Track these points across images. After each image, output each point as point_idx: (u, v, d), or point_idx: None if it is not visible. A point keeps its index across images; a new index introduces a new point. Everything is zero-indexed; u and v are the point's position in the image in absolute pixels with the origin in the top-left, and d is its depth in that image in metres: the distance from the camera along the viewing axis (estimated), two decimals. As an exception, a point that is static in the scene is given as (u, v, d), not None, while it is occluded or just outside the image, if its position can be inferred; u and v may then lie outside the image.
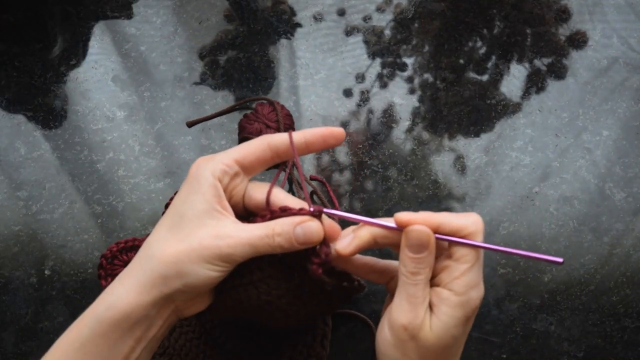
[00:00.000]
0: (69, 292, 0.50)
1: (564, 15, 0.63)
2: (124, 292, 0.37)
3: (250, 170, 0.41)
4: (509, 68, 0.59)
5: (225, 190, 0.39)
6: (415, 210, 0.51)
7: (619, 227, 0.52)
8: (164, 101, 0.58)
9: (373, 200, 0.53)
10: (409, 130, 0.57)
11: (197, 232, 0.37)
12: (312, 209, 0.38)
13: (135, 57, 0.60)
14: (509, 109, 0.57)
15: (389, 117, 0.57)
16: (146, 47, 0.61)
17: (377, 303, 0.49)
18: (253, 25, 0.62)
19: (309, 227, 0.37)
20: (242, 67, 0.60)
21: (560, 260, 0.37)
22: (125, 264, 0.48)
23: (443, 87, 0.59)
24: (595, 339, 0.48)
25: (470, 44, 0.61)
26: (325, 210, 0.39)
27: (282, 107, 0.52)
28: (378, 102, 0.58)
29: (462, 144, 0.56)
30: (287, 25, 0.62)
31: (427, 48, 0.61)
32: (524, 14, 0.62)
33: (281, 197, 0.41)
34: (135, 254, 0.43)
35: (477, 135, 0.56)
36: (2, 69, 0.60)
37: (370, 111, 0.58)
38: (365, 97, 0.58)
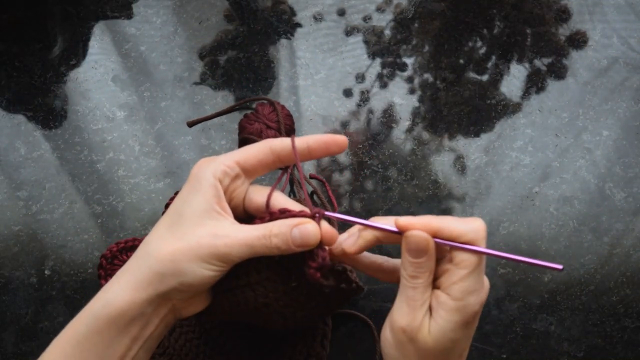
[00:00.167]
0: (69, 292, 0.50)
1: (564, 15, 0.63)
2: (120, 290, 0.37)
3: (251, 173, 0.41)
4: (509, 68, 0.59)
5: (225, 192, 0.39)
6: (415, 210, 0.51)
7: (619, 227, 0.52)
8: (164, 101, 0.58)
9: (373, 200, 0.53)
10: (409, 130, 0.57)
11: (194, 230, 0.37)
12: (311, 212, 0.38)
13: (135, 57, 0.60)
14: (509, 109, 0.57)
15: (389, 117, 0.57)
16: (146, 47, 0.61)
17: (377, 303, 0.49)
18: (253, 25, 0.62)
19: (306, 230, 0.37)
20: (242, 67, 0.60)
21: (560, 267, 0.36)
22: (124, 263, 0.48)
23: (443, 87, 0.59)
24: (595, 339, 0.48)
25: (470, 44, 0.61)
26: (325, 213, 0.39)
27: (283, 107, 0.52)
28: (378, 102, 0.58)
29: (462, 144, 0.56)
30: (287, 25, 0.62)
31: (427, 48, 0.61)
32: (524, 14, 0.62)
33: (281, 200, 0.41)
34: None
35: (477, 135, 0.56)
36: (2, 69, 0.60)
37: (370, 111, 0.58)
38: (365, 97, 0.58)
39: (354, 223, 0.40)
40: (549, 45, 0.61)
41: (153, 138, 0.56)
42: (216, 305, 0.41)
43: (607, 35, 0.61)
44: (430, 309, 0.37)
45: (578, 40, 0.61)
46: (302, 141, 0.40)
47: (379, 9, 0.63)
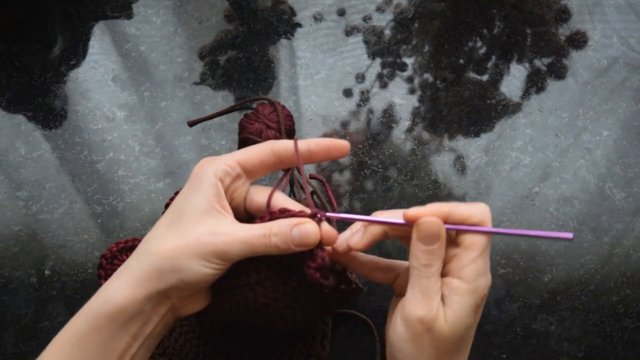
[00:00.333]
0: (69, 292, 0.50)
1: (564, 15, 0.63)
2: (120, 287, 0.37)
3: (252, 173, 0.41)
4: (509, 68, 0.59)
5: (226, 192, 0.40)
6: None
7: (619, 227, 0.52)
8: (164, 101, 0.58)
9: (373, 200, 0.53)
10: (409, 130, 0.57)
11: (194, 228, 0.37)
12: (312, 212, 0.38)
13: (135, 57, 0.60)
14: (509, 109, 0.57)
15: (389, 117, 0.57)
16: (146, 47, 0.61)
17: (377, 303, 0.49)
18: (253, 25, 0.62)
19: (306, 229, 0.37)
20: (242, 67, 0.60)
21: (570, 235, 0.37)
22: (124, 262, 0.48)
23: (443, 87, 0.59)
24: (595, 339, 0.48)
25: (470, 44, 0.61)
26: (328, 214, 0.39)
27: (283, 107, 0.52)
28: (378, 102, 0.58)
29: (462, 144, 0.56)
30: (287, 25, 0.62)
31: (427, 48, 0.61)
32: (524, 14, 0.62)
33: (282, 200, 0.41)
34: None
35: (477, 135, 0.56)
36: (2, 69, 0.60)
37: (370, 111, 0.58)
38: (365, 97, 0.58)
39: (357, 221, 0.40)
40: (549, 45, 0.61)
41: (153, 138, 0.56)
42: (216, 305, 0.41)
43: (607, 35, 0.61)
44: (443, 302, 0.37)
45: (578, 40, 0.61)
46: (304, 144, 0.40)
47: (379, 9, 0.63)
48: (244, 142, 0.52)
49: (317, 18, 0.63)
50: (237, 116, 0.56)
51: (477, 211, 0.37)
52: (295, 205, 0.40)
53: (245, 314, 0.40)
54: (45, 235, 0.52)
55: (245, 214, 0.42)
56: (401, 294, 0.42)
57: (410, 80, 0.59)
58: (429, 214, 0.37)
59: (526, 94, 0.58)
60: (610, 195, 0.53)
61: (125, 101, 0.58)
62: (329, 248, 0.39)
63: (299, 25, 0.62)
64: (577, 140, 0.56)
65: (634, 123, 0.56)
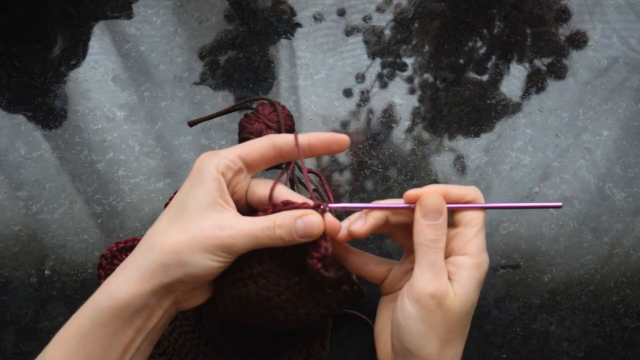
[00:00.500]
0: (69, 292, 0.50)
1: (564, 15, 0.63)
2: (125, 281, 0.37)
3: (253, 167, 0.41)
4: (509, 68, 0.60)
5: (228, 185, 0.40)
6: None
7: (619, 227, 0.52)
8: (164, 101, 0.58)
9: (373, 200, 0.53)
10: (409, 130, 0.57)
11: (198, 222, 0.38)
12: (315, 204, 0.39)
13: (135, 57, 0.60)
14: (509, 109, 0.57)
15: (389, 117, 0.57)
16: (146, 47, 0.61)
17: (377, 303, 0.49)
18: (253, 25, 0.62)
19: (310, 221, 0.38)
20: (242, 67, 0.60)
21: (559, 204, 0.41)
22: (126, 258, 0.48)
23: (443, 87, 0.59)
24: (595, 339, 0.48)
25: (470, 44, 0.61)
26: (330, 205, 0.40)
27: (283, 107, 0.52)
28: (378, 102, 0.58)
29: (462, 144, 0.56)
30: (287, 25, 0.62)
31: (427, 48, 0.61)
32: (524, 14, 0.62)
33: (284, 193, 0.41)
34: None
35: (477, 135, 0.56)
36: (2, 69, 0.60)
37: (370, 111, 0.58)
38: (365, 97, 0.58)
39: (359, 209, 0.41)
40: (549, 45, 0.61)
41: (153, 138, 0.56)
42: (218, 300, 0.41)
43: (607, 35, 0.61)
44: (450, 279, 0.38)
45: (578, 40, 0.61)
46: (304, 138, 0.41)
47: (379, 9, 0.63)
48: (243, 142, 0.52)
49: (317, 18, 0.63)
50: (237, 116, 0.56)
51: (470, 190, 0.41)
52: (297, 198, 0.41)
53: (247, 309, 0.40)
54: (45, 235, 0.52)
55: (247, 208, 0.43)
56: (390, 292, 0.44)
57: (410, 80, 0.59)
58: (430, 192, 0.39)
59: (526, 94, 0.58)
60: (610, 195, 0.53)
61: (125, 101, 0.58)
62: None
63: (299, 25, 0.62)
64: (577, 140, 0.56)
65: (634, 123, 0.56)
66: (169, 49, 0.61)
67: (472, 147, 0.56)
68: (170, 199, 0.48)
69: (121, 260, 0.48)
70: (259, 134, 0.51)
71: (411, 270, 0.40)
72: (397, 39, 0.62)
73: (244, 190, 0.42)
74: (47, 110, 0.58)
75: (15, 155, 0.56)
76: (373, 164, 0.55)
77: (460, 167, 0.55)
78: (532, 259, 0.51)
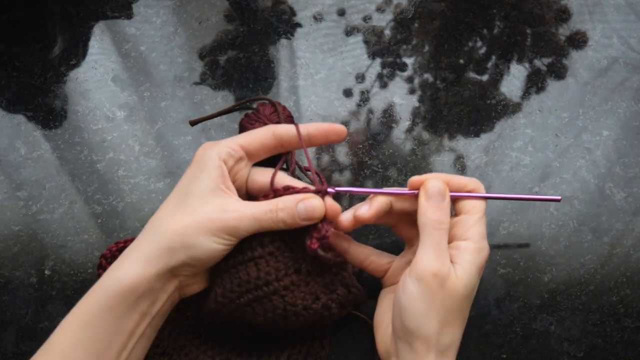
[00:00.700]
0: (69, 292, 0.50)
1: (564, 15, 0.63)
2: (131, 266, 0.38)
3: (254, 156, 0.43)
4: (509, 68, 0.60)
5: (229, 173, 0.41)
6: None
7: (619, 227, 0.52)
8: (164, 101, 0.58)
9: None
10: (409, 130, 0.57)
11: (203, 207, 0.39)
12: (316, 188, 0.41)
13: (135, 57, 0.60)
14: (509, 109, 0.57)
15: (389, 117, 0.57)
16: (146, 47, 0.61)
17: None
18: (253, 25, 0.62)
19: (311, 204, 0.40)
20: (242, 67, 0.60)
21: (558, 198, 0.44)
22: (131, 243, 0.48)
23: (443, 87, 0.59)
24: (595, 339, 0.48)
25: (470, 44, 0.61)
26: (333, 189, 0.42)
27: (284, 108, 0.52)
28: (378, 102, 0.58)
29: (462, 144, 0.56)
30: (287, 25, 0.62)
31: (427, 48, 0.61)
32: (524, 14, 0.62)
33: (285, 179, 0.43)
34: None
35: (477, 135, 0.56)
36: (2, 69, 0.60)
37: (370, 111, 0.58)
38: (365, 97, 0.58)
39: (362, 193, 0.43)
40: (549, 45, 0.61)
41: (153, 138, 0.56)
42: (218, 285, 0.41)
43: (607, 35, 0.61)
44: (452, 262, 0.40)
45: (578, 40, 0.61)
46: (304, 128, 0.43)
47: (379, 9, 0.63)
48: None
49: (317, 18, 0.63)
50: (238, 116, 0.56)
51: (470, 179, 0.43)
52: (297, 183, 0.42)
53: (247, 296, 0.41)
54: (45, 235, 0.52)
55: (247, 195, 0.44)
56: (392, 284, 0.45)
57: (410, 80, 0.59)
58: (433, 177, 0.42)
59: (526, 94, 0.58)
60: (610, 195, 0.53)
61: (125, 101, 0.58)
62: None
63: (299, 25, 0.62)
64: (577, 140, 0.56)
65: (634, 123, 0.56)
66: (169, 49, 0.61)
67: (472, 147, 0.56)
68: None
69: None
70: None
71: (408, 263, 0.41)
72: (397, 39, 0.62)
73: (244, 178, 0.43)
74: (47, 110, 0.58)
75: (15, 155, 0.56)
76: (373, 164, 0.55)
77: (460, 167, 0.55)
78: (532, 259, 0.51)
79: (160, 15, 0.63)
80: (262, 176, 0.43)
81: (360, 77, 0.60)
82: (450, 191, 0.42)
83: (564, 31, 0.62)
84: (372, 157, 0.55)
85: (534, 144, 0.55)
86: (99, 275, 0.48)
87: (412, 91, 0.59)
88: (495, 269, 0.50)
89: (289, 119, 0.52)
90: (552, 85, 0.58)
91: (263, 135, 0.42)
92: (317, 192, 0.41)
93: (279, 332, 0.46)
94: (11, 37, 0.61)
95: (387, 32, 0.62)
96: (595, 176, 0.54)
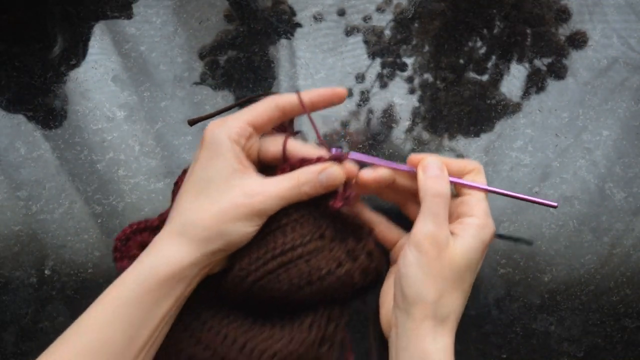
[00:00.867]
0: (69, 292, 0.50)
1: (564, 15, 0.63)
2: (169, 255, 0.39)
3: (261, 130, 0.44)
4: (509, 68, 0.60)
5: (242, 150, 0.42)
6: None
7: (619, 227, 0.52)
8: (164, 101, 0.58)
9: (373, 199, 0.53)
10: (409, 130, 0.57)
11: (228, 193, 0.40)
12: (333, 151, 0.43)
13: (135, 57, 0.60)
14: (509, 109, 0.57)
15: (389, 117, 0.57)
16: (146, 47, 0.61)
17: (377, 303, 0.49)
18: (253, 25, 0.62)
19: (332, 173, 0.42)
20: (242, 67, 0.60)
21: (555, 204, 0.45)
22: (139, 245, 0.49)
23: (443, 87, 0.59)
24: (595, 339, 0.48)
25: (470, 44, 0.61)
26: (350, 156, 0.44)
27: None
28: (378, 102, 0.58)
29: (462, 144, 0.56)
30: (287, 25, 0.62)
31: (427, 48, 0.61)
32: (524, 14, 0.62)
33: (297, 146, 0.44)
34: (149, 234, 0.47)
35: (477, 135, 0.56)
36: (2, 69, 0.60)
37: (370, 111, 0.58)
38: (365, 97, 0.58)
39: (370, 162, 0.45)
40: (549, 45, 0.61)
41: (153, 138, 0.56)
42: (244, 256, 0.43)
43: (607, 35, 0.61)
44: (454, 234, 0.41)
45: (578, 40, 0.61)
46: (307, 96, 0.44)
47: (379, 9, 0.63)
48: None
49: (317, 18, 0.63)
50: (237, 116, 0.56)
51: (469, 162, 0.44)
52: (309, 150, 0.44)
53: (273, 263, 0.42)
54: (45, 235, 0.52)
55: (259, 164, 0.45)
56: (394, 261, 0.47)
57: (410, 80, 0.59)
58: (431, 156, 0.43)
59: (526, 94, 0.58)
60: (610, 195, 0.53)
61: (125, 101, 0.58)
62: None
63: (299, 25, 0.62)
64: (577, 140, 0.56)
65: (634, 123, 0.56)
66: (169, 49, 0.61)
67: (472, 147, 0.56)
68: (180, 178, 0.49)
69: (136, 242, 0.49)
70: None
71: None
72: (397, 39, 0.62)
73: (255, 150, 0.44)
74: (47, 110, 0.58)
75: (15, 155, 0.56)
76: (373, 164, 0.55)
77: (460, 167, 0.55)
78: (532, 259, 0.51)
79: (160, 15, 0.63)
80: (272, 146, 0.44)
81: (360, 77, 0.60)
82: (450, 174, 0.43)
83: (564, 31, 0.62)
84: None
85: (534, 144, 0.55)
86: (115, 259, 0.49)
87: (412, 91, 0.59)
88: (495, 268, 0.50)
89: None
90: (552, 85, 0.58)
91: (267, 109, 0.43)
92: (333, 159, 0.43)
93: (300, 305, 0.46)
94: (11, 37, 0.61)
95: (387, 32, 0.62)
96: (595, 176, 0.54)
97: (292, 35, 0.62)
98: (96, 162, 0.55)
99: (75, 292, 0.50)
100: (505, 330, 0.48)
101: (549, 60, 0.60)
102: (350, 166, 0.43)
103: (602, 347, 0.48)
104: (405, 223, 0.47)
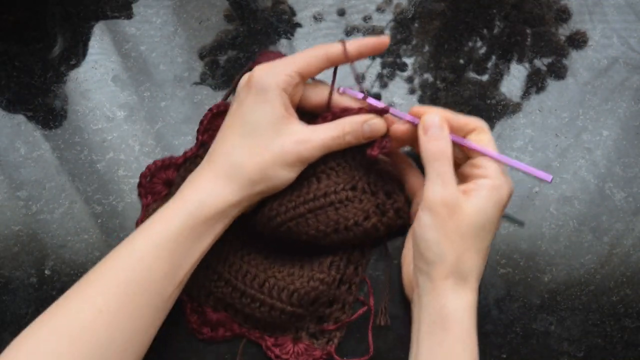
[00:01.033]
0: (69, 292, 0.50)
1: (564, 15, 0.63)
2: (215, 193, 0.41)
3: (307, 77, 0.45)
4: (509, 68, 0.60)
5: (288, 98, 0.44)
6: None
7: (619, 227, 0.52)
8: (164, 101, 0.58)
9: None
10: (409, 130, 0.57)
11: (276, 139, 0.42)
12: (378, 106, 0.45)
13: (135, 57, 0.60)
14: (509, 109, 0.57)
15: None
16: (146, 47, 0.61)
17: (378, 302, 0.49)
18: (253, 25, 0.62)
19: (376, 125, 0.44)
20: (242, 67, 0.60)
21: (548, 178, 0.45)
22: (164, 181, 0.52)
23: (443, 87, 0.59)
24: (595, 339, 0.48)
25: (470, 44, 0.61)
26: (390, 110, 0.45)
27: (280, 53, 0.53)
28: (378, 102, 0.58)
29: (462, 144, 0.56)
30: (287, 25, 0.62)
31: (427, 48, 0.61)
32: (524, 14, 0.62)
33: (338, 98, 0.46)
34: (173, 171, 0.50)
35: (477, 135, 0.56)
36: (2, 69, 0.60)
37: (370, 111, 0.58)
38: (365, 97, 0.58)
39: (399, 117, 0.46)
40: (549, 45, 0.61)
41: (153, 138, 0.56)
42: (275, 197, 0.44)
43: (607, 35, 0.61)
44: (467, 194, 0.41)
45: (578, 40, 0.61)
46: (353, 46, 0.45)
47: (379, 9, 0.63)
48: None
49: (317, 18, 0.63)
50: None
51: (472, 119, 0.44)
52: (348, 100, 0.46)
53: (304, 206, 0.44)
54: (45, 235, 0.52)
55: (298, 110, 0.46)
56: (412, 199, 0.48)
57: (410, 80, 0.59)
58: (431, 112, 0.43)
59: (526, 94, 0.58)
60: (610, 195, 0.53)
61: (125, 101, 0.58)
62: None
63: (299, 25, 0.62)
64: (577, 140, 0.56)
65: (634, 123, 0.56)
66: (169, 49, 0.61)
67: (472, 147, 0.55)
68: (216, 106, 0.51)
69: (161, 179, 0.52)
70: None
71: None
72: (397, 39, 0.62)
73: (298, 97, 0.46)
74: (47, 110, 0.58)
75: (15, 155, 0.56)
76: (373, 164, 0.55)
77: (460, 167, 0.55)
78: (532, 259, 0.51)
79: (160, 15, 0.63)
80: (315, 95, 0.46)
81: (361, 77, 0.59)
82: (452, 130, 0.43)
83: (564, 31, 0.62)
84: (372, 157, 0.55)
85: (534, 144, 0.55)
86: (139, 194, 0.51)
87: (412, 91, 0.59)
88: (495, 268, 0.50)
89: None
90: (552, 85, 0.58)
91: (317, 58, 0.44)
92: (379, 112, 0.45)
93: (322, 248, 0.47)
94: (11, 37, 0.61)
95: (387, 32, 0.62)
96: (595, 176, 0.54)
97: (292, 35, 0.62)
98: (96, 162, 0.55)
99: (75, 292, 0.50)
100: (505, 330, 0.48)
101: (549, 60, 0.60)
102: (390, 118, 0.45)
103: (602, 347, 0.48)
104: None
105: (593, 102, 0.57)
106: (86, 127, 0.57)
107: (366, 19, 0.63)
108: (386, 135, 0.45)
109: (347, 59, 0.45)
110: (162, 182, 0.52)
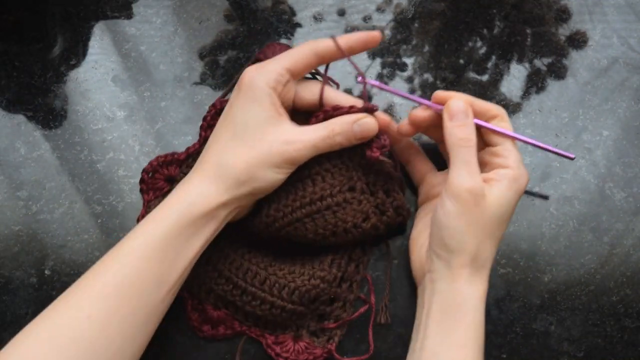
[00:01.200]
0: (69, 292, 0.50)
1: (564, 15, 0.63)
2: (203, 193, 0.40)
3: (297, 75, 0.44)
4: (509, 68, 0.60)
5: (278, 97, 0.43)
6: (413, 215, 0.51)
7: (619, 227, 0.52)
8: (164, 101, 0.58)
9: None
10: (409, 130, 0.57)
11: (264, 139, 0.41)
12: (366, 105, 0.43)
13: (135, 57, 0.60)
14: (509, 109, 0.57)
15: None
16: (146, 47, 0.61)
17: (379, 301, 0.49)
18: (253, 25, 0.62)
19: (366, 124, 0.42)
20: (242, 67, 0.60)
21: (572, 155, 0.46)
22: (166, 177, 0.51)
23: (443, 87, 0.59)
24: (595, 339, 0.48)
25: (470, 44, 0.61)
26: (370, 82, 0.45)
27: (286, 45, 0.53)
28: (378, 102, 0.58)
29: (462, 144, 0.56)
30: (287, 25, 0.62)
31: (427, 48, 0.61)
32: (524, 14, 0.62)
33: (332, 95, 0.45)
34: (175, 167, 0.50)
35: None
36: (2, 69, 0.60)
37: (370, 111, 0.58)
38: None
39: (396, 94, 0.47)
40: (549, 45, 0.61)
41: (153, 138, 0.56)
42: (272, 202, 0.44)
43: (607, 35, 0.61)
44: (489, 184, 0.41)
45: (578, 40, 0.61)
46: (344, 41, 0.44)
47: (379, 9, 0.63)
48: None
49: (317, 18, 0.63)
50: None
51: (493, 105, 0.44)
52: (344, 97, 0.45)
53: (301, 211, 0.43)
54: (45, 235, 0.52)
55: (292, 111, 0.46)
56: (425, 201, 0.48)
57: (410, 80, 0.59)
58: (457, 97, 0.43)
59: (526, 94, 0.58)
60: (610, 195, 0.53)
61: (125, 101, 0.58)
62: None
63: (299, 25, 0.62)
64: (577, 140, 0.56)
65: (634, 123, 0.56)
66: (169, 49, 0.61)
67: (472, 147, 0.55)
68: (213, 106, 0.50)
69: (163, 175, 0.51)
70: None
71: (445, 180, 0.42)
72: (397, 39, 0.62)
73: (291, 96, 0.45)
74: (47, 110, 0.58)
75: (15, 155, 0.56)
76: (373, 164, 0.55)
77: (460, 167, 0.55)
78: (532, 259, 0.51)
79: (160, 15, 0.63)
80: (308, 93, 0.45)
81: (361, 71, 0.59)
82: (475, 115, 0.43)
83: (564, 31, 0.62)
84: (372, 157, 0.55)
85: (534, 144, 0.55)
86: (141, 190, 0.51)
87: (412, 91, 0.59)
88: (495, 268, 0.50)
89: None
90: (552, 85, 0.58)
91: (306, 56, 0.43)
92: (366, 110, 0.43)
93: (322, 248, 0.47)
94: (11, 37, 0.61)
95: (387, 32, 0.62)
96: (595, 176, 0.54)
97: (292, 35, 0.62)
98: (96, 162, 0.55)
99: (75, 292, 0.50)
100: (505, 330, 0.48)
101: (549, 60, 0.60)
102: (383, 116, 0.44)
103: (602, 347, 0.48)
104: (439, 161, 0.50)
105: (593, 102, 0.57)
106: (86, 127, 0.57)
107: (366, 19, 0.63)
108: (382, 133, 0.44)
109: (339, 54, 0.43)
110: (164, 178, 0.52)
